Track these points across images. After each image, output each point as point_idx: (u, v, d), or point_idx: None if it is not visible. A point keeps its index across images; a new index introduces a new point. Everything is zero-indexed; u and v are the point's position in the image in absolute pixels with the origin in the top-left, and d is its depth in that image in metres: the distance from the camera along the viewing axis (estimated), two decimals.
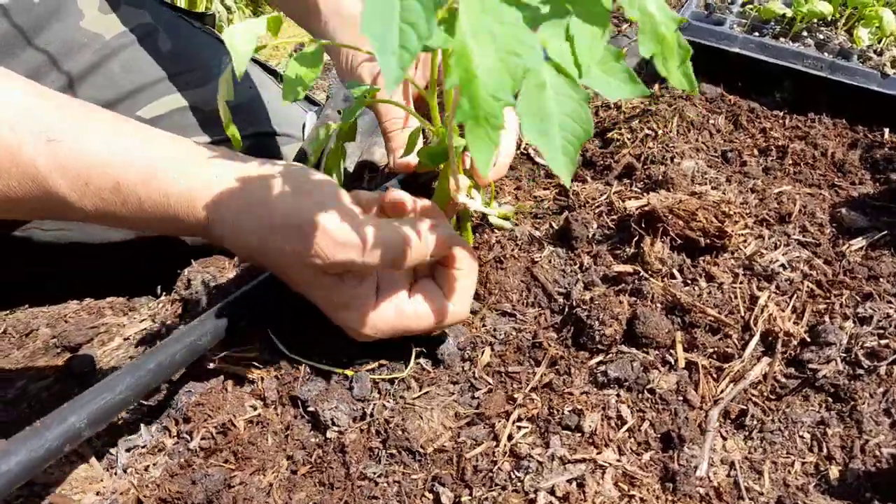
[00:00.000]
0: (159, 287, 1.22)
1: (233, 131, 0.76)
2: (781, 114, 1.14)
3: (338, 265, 0.67)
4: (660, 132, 1.05)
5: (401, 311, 0.72)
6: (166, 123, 1.20)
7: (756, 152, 1.05)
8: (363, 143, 1.23)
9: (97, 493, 0.63)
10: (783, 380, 0.72)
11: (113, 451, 0.69)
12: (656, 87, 1.21)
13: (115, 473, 0.66)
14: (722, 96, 1.16)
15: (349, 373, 0.76)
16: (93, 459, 0.66)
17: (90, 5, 1.19)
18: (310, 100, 1.41)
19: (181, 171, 0.64)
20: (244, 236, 0.67)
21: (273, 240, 0.66)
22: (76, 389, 0.82)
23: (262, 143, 1.27)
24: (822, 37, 1.17)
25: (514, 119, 0.86)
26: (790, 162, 1.01)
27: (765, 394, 0.71)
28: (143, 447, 0.69)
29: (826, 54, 1.12)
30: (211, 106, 1.26)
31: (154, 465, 0.67)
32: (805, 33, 1.18)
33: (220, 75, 1.30)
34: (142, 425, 0.71)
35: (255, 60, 1.32)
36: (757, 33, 1.18)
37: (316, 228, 0.65)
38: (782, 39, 1.16)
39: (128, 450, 0.69)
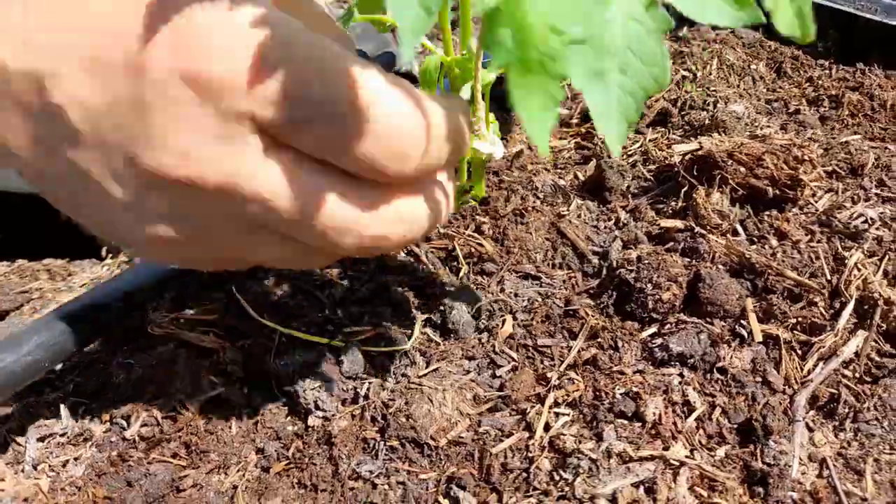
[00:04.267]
0: (105, 248, 1.05)
1: None
2: (827, 63, 1.00)
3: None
4: (699, 74, 0.91)
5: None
6: None
7: (805, 102, 0.91)
8: None
9: None
10: (878, 358, 0.58)
11: (20, 440, 0.52)
12: (685, 29, 1.06)
13: (22, 471, 0.49)
14: (761, 42, 1.02)
15: (337, 343, 0.60)
16: None
17: None
18: None
19: None
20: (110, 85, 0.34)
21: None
22: None
23: None
24: None
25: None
26: (847, 113, 0.88)
27: (858, 375, 0.57)
28: (62, 436, 0.52)
29: None
30: None
31: (76, 459, 0.50)
32: None
33: None
34: (62, 406, 0.54)
35: None
36: None
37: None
38: None
39: (41, 439, 0.52)
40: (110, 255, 1.05)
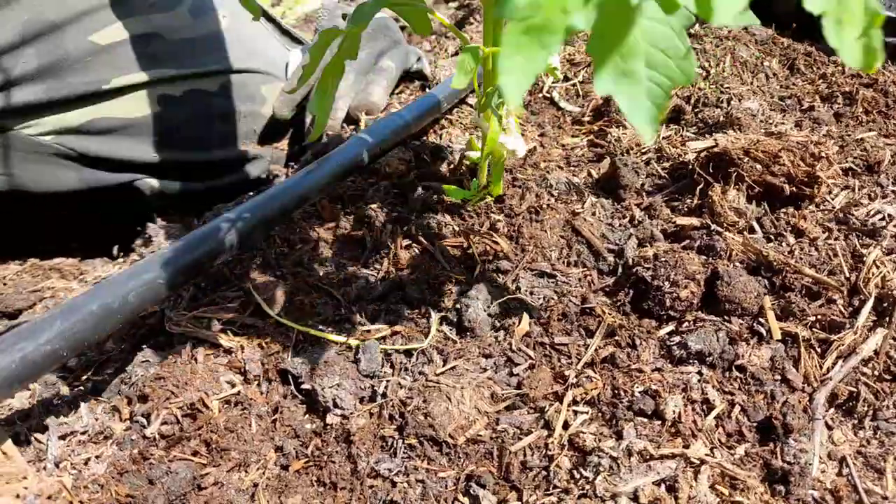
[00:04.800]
0: (116, 247, 1.05)
1: None
2: (839, 59, 0.99)
3: None
4: (712, 71, 0.90)
5: None
6: (125, 52, 1.01)
7: (819, 99, 0.91)
8: (357, 83, 1.06)
9: (16, 496, 0.46)
10: None
11: (42, 437, 0.52)
12: (696, 25, 1.06)
13: (44, 468, 0.49)
14: (773, 39, 1.02)
15: (353, 342, 0.60)
16: (13, 449, 0.49)
17: None
18: (293, 37, 1.23)
19: None
20: None
21: None
22: None
23: (234, 82, 1.08)
24: None
25: None
26: (861, 110, 0.87)
27: (877, 373, 0.57)
28: (82, 433, 0.52)
29: None
30: (179, 34, 1.07)
31: (97, 457, 0.50)
32: None
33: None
34: (82, 404, 0.54)
35: None
36: None
37: None
38: None
39: (62, 437, 0.52)
40: (121, 254, 1.05)
